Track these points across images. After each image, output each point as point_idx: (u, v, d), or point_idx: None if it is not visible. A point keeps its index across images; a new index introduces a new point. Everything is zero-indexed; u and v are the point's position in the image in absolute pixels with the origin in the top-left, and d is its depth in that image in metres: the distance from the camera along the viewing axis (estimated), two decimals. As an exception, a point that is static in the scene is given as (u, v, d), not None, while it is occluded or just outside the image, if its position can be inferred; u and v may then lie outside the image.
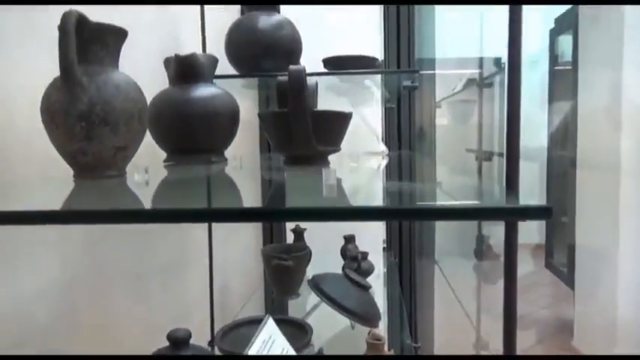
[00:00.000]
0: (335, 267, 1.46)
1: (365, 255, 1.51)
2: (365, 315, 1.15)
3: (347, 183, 0.77)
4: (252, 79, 1.34)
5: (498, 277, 3.38)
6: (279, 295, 1.41)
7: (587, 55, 2.84)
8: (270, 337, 0.98)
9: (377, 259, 1.75)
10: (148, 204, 0.60)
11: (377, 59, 1.39)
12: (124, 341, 0.99)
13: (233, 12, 1.49)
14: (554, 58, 3.95)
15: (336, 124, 0.89)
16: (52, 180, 0.76)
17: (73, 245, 0.87)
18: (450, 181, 0.97)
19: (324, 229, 1.37)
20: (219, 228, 1.45)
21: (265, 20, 1.23)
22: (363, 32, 1.81)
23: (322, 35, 1.59)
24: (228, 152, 1.03)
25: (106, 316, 0.96)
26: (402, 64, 1.97)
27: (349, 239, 1.62)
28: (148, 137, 0.80)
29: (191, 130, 0.93)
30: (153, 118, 0.90)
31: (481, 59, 3.91)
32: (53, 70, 0.64)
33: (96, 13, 0.67)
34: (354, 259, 1.49)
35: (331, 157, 0.92)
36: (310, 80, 0.85)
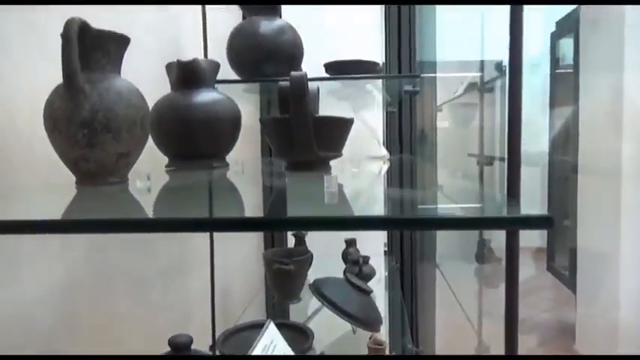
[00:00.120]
0: (336, 271, 1.46)
1: (366, 259, 1.51)
2: (366, 319, 1.15)
3: (348, 189, 0.77)
4: (253, 84, 1.34)
5: (500, 281, 3.37)
6: (281, 299, 1.40)
7: (588, 58, 2.84)
8: (272, 342, 0.98)
9: (378, 263, 1.75)
10: (150, 211, 0.60)
11: (378, 64, 1.39)
12: (125, 345, 0.99)
13: (235, 16, 1.50)
14: (555, 62, 3.96)
15: (337, 129, 0.89)
16: (54, 186, 0.76)
17: (74, 249, 0.87)
18: (452, 187, 0.97)
19: (326, 234, 1.38)
20: (220, 232, 1.45)
21: (267, 25, 1.23)
22: (365, 36, 1.81)
23: (323, 39, 1.59)
24: (230, 157, 1.03)
25: (107, 320, 0.96)
26: (404, 68, 1.97)
27: (350, 243, 1.62)
28: (150, 142, 0.80)
29: (193, 136, 0.93)
30: (155, 124, 0.90)
31: (482, 62, 3.91)
32: (56, 76, 0.64)
33: (98, 20, 0.67)
34: (355, 263, 1.49)
35: (333, 163, 0.92)
36: (312, 86, 0.86)
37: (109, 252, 0.97)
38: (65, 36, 0.61)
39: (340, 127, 0.89)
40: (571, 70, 3.34)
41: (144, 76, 0.91)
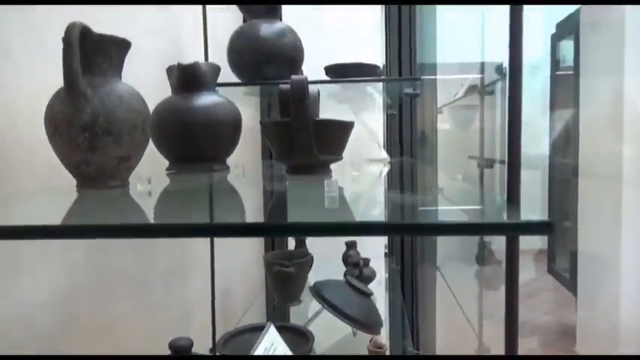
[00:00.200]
0: (337, 273, 1.46)
1: (367, 261, 1.51)
2: (367, 322, 1.15)
3: (349, 192, 0.77)
4: (254, 87, 1.34)
5: (500, 283, 3.37)
6: (281, 301, 1.40)
7: (588, 60, 2.84)
8: (272, 345, 0.98)
9: (379, 265, 1.75)
10: (150, 215, 0.60)
11: (378, 67, 1.40)
12: (125, 347, 0.99)
13: (235, 19, 1.50)
14: (555, 64, 3.96)
15: (337, 133, 0.89)
16: (55, 190, 0.76)
17: (75, 252, 0.87)
18: (452, 189, 0.97)
19: (326, 236, 1.37)
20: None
21: (267, 28, 1.23)
22: (365, 38, 1.81)
23: (324, 42, 1.59)
24: (230, 160, 1.04)
25: (107, 323, 0.96)
26: (404, 70, 1.97)
27: (351, 245, 1.62)
28: (151, 145, 0.81)
29: (193, 139, 0.93)
30: (155, 127, 0.90)
31: (482, 64, 3.91)
32: (56, 79, 0.64)
33: (98, 23, 0.68)
34: (355, 265, 1.49)
35: (333, 166, 0.92)
36: (312, 89, 0.86)
37: (109, 254, 0.97)
38: (66, 41, 0.61)
39: (341, 130, 0.90)
40: (571, 72, 3.34)
41: (144, 79, 0.91)
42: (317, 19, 1.76)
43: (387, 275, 1.90)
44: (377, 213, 0.65)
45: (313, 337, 1.15)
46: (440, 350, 2.57)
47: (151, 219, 0.58)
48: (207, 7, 1.38)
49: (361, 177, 1.04)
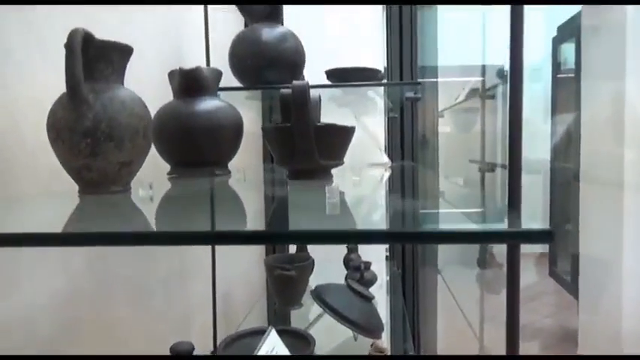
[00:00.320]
0: (338, 277, 1.46)
1: (368, 265, 1.51)
2: (368, 326, 1.15)
3: (350, 197, 0.77)
4: (255, 91, 1.34)
5: (501, 287, 3.36)
6: (282, 305, 1.40)
7: (589, 63, 2.84)
8: (273, 349, 0.98)
9: (380, 269, 1.75)
10: (152, 220, 0.60)
11: (380, 71, 1.40)
12: (126, 352, 0.99)
13: (237, 23, 1.50)
14: (556, 67, 3.96)
15: (339, 138, 0.89)
16: (56, 195, 0.77)
17: (75, 256, 0.87)
18: (453, 194, 0.97)
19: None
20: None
21: (269, 32, 1.24)
22: (366, 42, 1.82)
23: (325, 46, 1.60)
24: (232, 164, 1.04)
25: (108, 327, 0.96)
26: (405, 74, 1.98)
27: (352, 249, 1.62)
28: (152, 150, 0.81)
29: (195, 143, 0.93)
30: (157, 131, 0.90)
31: (484, 67, 3.91)
32: (57, 80, 0.64)
33: (100, 28, 0.68)
34: (356, 269, 1.49)
35: (334, 171, 0.92)
36: (313, 94, 0.86)
37: (110, 258, 0.97)
38: (69, 47, 0.62)
39: (342, 135, 0.90)
40: (572, 76, 3.34)
41: (146, 83, 0.91)
42: (318, 23, 1.76)
43: (388, 279, 1.89)
44: (378, 218, 0.65)
45: (314, 341, 1.15)
46: (441, 353, 2.56)
47: (152, 224, 0.58)
48: (209, 8, 1.38)
49: (362, 181, 1.04)
